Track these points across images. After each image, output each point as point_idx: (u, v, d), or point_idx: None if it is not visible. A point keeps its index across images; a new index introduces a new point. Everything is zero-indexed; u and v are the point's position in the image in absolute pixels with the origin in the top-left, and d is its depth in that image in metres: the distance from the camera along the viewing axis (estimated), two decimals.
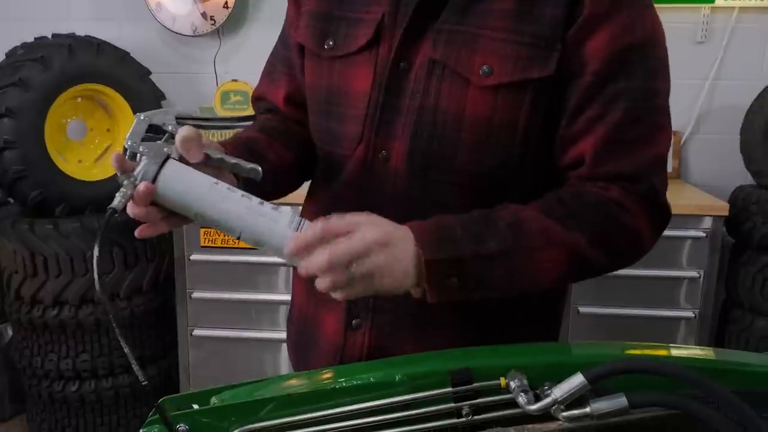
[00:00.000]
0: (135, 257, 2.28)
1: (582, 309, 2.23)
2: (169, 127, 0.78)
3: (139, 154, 0.75)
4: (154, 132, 0.78)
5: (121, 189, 0.73)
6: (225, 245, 2.26)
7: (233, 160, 0.78)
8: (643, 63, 0.81)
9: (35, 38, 2.35)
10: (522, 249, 0.76)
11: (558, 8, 0.79)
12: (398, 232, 0.74)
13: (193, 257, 2.27)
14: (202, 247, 2.26)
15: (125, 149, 0.76)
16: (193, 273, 2.29)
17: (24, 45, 2.31)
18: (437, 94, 0.82)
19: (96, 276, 0.68)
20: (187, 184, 0.74)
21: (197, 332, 2.32)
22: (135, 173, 0.73)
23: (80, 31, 2.42)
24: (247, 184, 0.81)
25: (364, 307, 0.89)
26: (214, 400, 0.78)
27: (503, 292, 0.77)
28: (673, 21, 2.50)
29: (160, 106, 2.50)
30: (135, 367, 0.67)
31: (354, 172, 0.88)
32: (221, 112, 2.60)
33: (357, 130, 0.87)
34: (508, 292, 0.78)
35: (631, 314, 2.23)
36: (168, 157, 0.74)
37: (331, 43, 0.89)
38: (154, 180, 0.73)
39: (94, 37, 2.40)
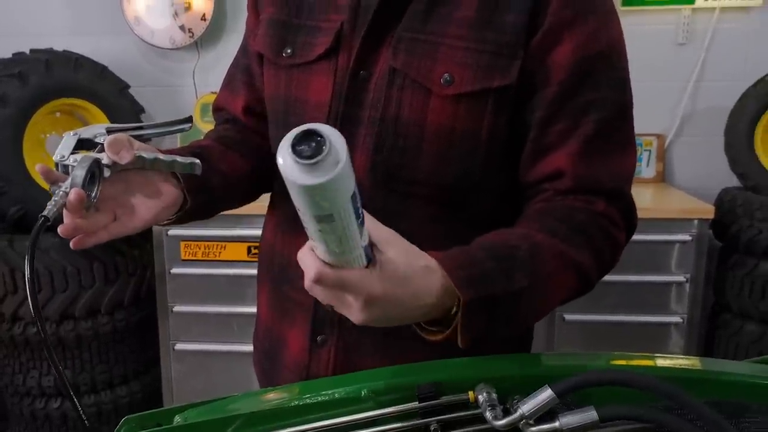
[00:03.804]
0: (116, 272, 2.25)
1: (568, 316, 2.20)
2: (101, 140, 0.76)
3: (69, 166, 0.73)
4: (88, 148, 0.77)
5: (53, 198, 0.71)
6: (206, 258, 2.24)
7: (169, 158, 0.76)
8: (609, 72, 0.80)
9: (13, 54, 2.33)
10: (544, 278, 0.72)
11: (520, 16, 0.77)
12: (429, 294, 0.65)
13: (174, 271, 2.25)
14: (183, 260, 2.24)
15: (56, 164, 0.74)
16: (175, 287, 2.26)
17: (1, 61, 2.29)
18: (398, 104, 0.80)
19: (29, 290, 0.65)
20: None
21: (179, 346, 2.29)
22: (66, 183, 0.72)
23: (58, 46, 2.40)
24: (191, 185, 0.79)
25: (330, 322, 0.86)
26: (177, 418, 0.76)
27: (524, 325, 0.74)
28: (653, 23, 2.49)
29: (139, 120, 2.48)
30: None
31: None
32: (201, 125, 2.57)
33: None
34: (527, 325, 0.75)
35: (618, 321, 2.20)
36: (95, 160, 0.72)
37: (289, 51, 0.88)
38: (83, 185, 0.71)
39: (72, 52, 2.38)
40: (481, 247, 0.70)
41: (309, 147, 0.48)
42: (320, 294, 0.62)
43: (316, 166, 0.48)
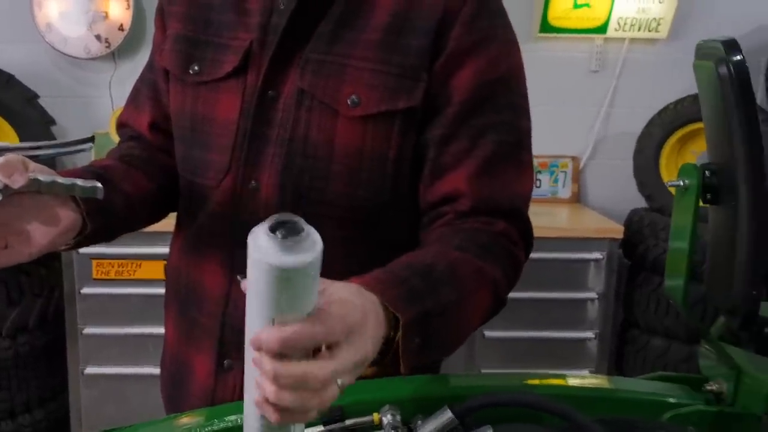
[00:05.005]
0: (20, 292, 2.13)
1: (488, 333, 2.26)
2: None
3: None
4: None
5: None
6: (120, 277, 2.17)
7: (68, 182, 0.72)
8: (508, 97, 0.83)
9: None
10: (467, 294, 0.71)
11: (424, 39, 0.80)
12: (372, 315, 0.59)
13: (85, 291, 2.16)
14: (95, 279, 2.16)
15: None
16: (85, 307, 2.18)
17: None
18: (307, 124, 0.81)
19: None
20: None
21: (90, 371, 2.20)
22: None
23: None
24: (90, 208, 0.76)
25: (236, 346, 0.85)
26: None
27: (453, 347, 0.73)
28: (568, 50, 2.61)
29: (49, 131, 2.39)
30: None
31: (222, 203, 0.85)
32: (117, 138, 2.50)
33: (224, 160, 0.85)
34: (454, 348, 0.73)
35: (535, 337, 2.28)
36: None
37: (196, 68, 0.87)
38: None
39: None
40: (401, 267, 0.70)
41: (287, 230, 0.47)
42: (293, 372, 0.50)
43: (298, 246, 0.46)
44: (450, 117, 0.81)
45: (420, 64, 0.80)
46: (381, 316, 0.60)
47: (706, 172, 0.80)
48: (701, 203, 0.81)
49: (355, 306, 0.56)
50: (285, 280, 0.47)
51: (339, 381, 0.53)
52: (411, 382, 0.77)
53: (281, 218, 0.47)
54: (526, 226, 0.84)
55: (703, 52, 0.84)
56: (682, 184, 0.80)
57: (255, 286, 0.48)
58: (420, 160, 0.83)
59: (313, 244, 0.47)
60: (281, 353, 0.50)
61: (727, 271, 0.79)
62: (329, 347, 0.53)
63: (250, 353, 0.51)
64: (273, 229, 0.47)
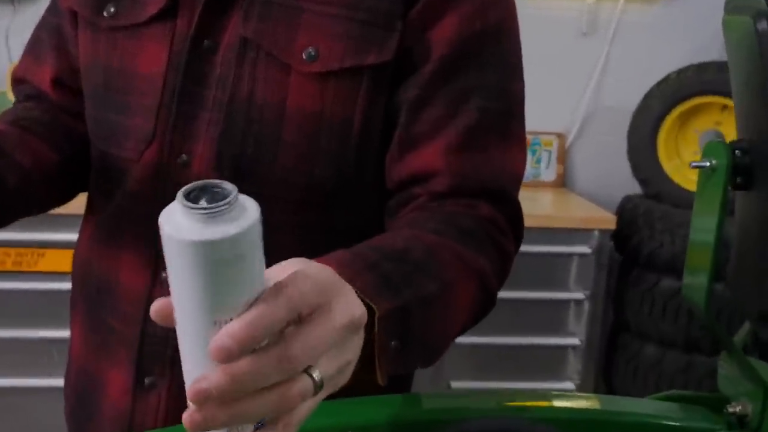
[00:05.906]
0: None
1: (457, 340, 2.23)
2: None
3: None
4: None
5: None
6: (18, 269, 2.11)
7: None
8: (497, 55, 0.80)
9: None
10: (449, 284, 0.67)
11: None
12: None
13: None
14: None
15: None
16: None
17: None
18: (251, 82, 0.77)
19: None
20: None
21: None
22: None
23: None
24: None
25: (161, 360, 0.81)
26: None
27: (438, 350, 0.69)
28: (555, 9, 2.59)
29: None
30: None
31: (143, 180, 0.81)
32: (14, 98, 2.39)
33: (147, 126, 0.80)
34: (440, 352, 0.69)
35: (512, 344, 2.27)
36: None
37: (112, 9, 0.83)
38: None
39: None
40: (368, 249, 0.64)
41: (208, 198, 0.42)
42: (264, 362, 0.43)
43: (225, 215, 0.41)
44: (427, 76, 0.77)
45: (394, 10, 0.76)
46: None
47: (737, 151, 0.78)
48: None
49: (322, 266, 0.50)
50: (217, 261, 0.42)
51: (316, 373, 0.45)
52: (378, 404, 0.74)
53: (199, 185, 0.42)
54: (515, 212, 0.81)
55: (734, 5, 0.81)
56: (708, 165, 0.77)
57: (181, 279, 0.43)
58: (390, 128, 0.79)
59: (243, 210, 0.42)
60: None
61: (760, 270, 0.76)
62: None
63: (194, 372, 0.44)
64: (190, 199, 0.42)
